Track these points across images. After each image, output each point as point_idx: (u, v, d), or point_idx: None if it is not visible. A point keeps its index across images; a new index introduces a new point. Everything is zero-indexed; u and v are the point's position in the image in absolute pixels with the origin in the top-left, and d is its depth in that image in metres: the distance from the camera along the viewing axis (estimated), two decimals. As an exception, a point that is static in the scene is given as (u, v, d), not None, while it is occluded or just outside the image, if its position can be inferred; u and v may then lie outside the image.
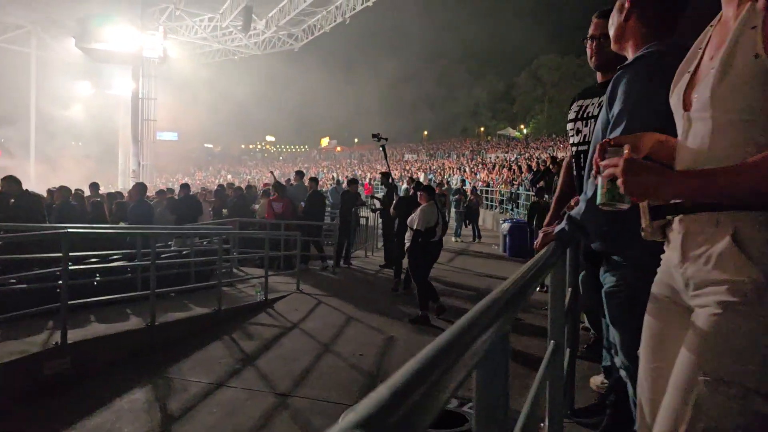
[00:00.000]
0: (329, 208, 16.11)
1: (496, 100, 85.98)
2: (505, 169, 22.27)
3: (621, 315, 1.74)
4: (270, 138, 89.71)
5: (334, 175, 40.09)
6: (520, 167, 19.50)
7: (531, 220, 12.37)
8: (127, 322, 6.37)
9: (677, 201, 1.31)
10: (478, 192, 18.66)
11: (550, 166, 13.18)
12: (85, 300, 6.02)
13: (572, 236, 1.78)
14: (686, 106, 1.32)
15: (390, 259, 11.45)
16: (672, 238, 1.37)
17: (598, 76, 2.75)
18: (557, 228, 1.85)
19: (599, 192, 1.33)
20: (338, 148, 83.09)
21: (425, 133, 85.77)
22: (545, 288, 9.54)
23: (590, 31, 2.72)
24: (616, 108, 1.69)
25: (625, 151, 1.29)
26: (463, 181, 21.19)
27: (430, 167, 39.87)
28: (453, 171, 32.95)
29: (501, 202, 20.34)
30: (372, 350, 6.09)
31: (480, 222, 18.14)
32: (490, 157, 45.40)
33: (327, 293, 8.92)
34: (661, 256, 1.44)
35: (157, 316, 6.28)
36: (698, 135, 1.27)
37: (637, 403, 1.44)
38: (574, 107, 2.79)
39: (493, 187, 21.46)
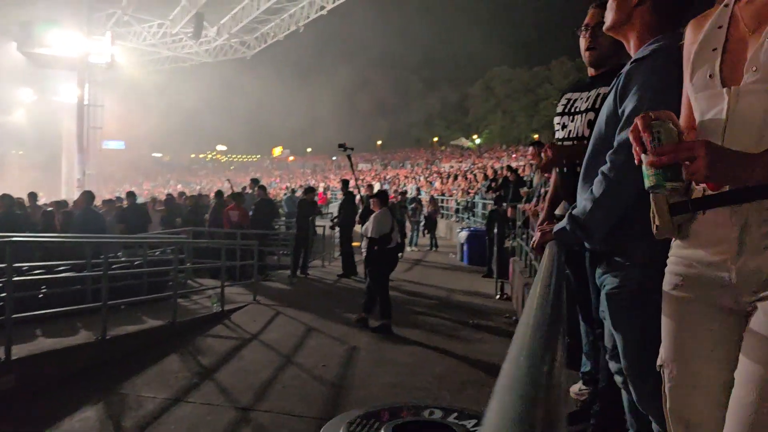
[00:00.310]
0: (284, 218, 15.90)
1: (449, 110, 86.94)
2: (461, 178, 22.45)
3: (626, 317, 1.67)
4: (221, 147, 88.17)
5: (288, 184, 39.68)
6: (475, 176, 19.70)
7: (490, 228, 12.49)
8: (77, 335, 6.05)
9: (711, 193, 1.25)
10: (437, 201, 18.73)
11: (508, 175, 13.35)
12: (31, 313, 5.68)
13: (573, 236, 1.69)
14: (727, 81, 1.25)
15: (348, 268, 11.35)
16: (702, 234, 1.30)
17: (591, 71, 2.66)
18: (557, 227, 1.76)
19: (646, 175, 1.24)
20: (291, 158, 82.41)
21: (379, 142, 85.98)
22: (505, 295, 9.61)
23: (586, 21, 2.59)
24: (630, 103, 1.61)
25: (671, 126, 1.21)
26: (418, 191, 21.24)
27: (384, 177, 39.91)
28: (408, 180, 33.07)
29: (456, 211, 20.48)
30: (335, 361, 5.96)
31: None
32: (445, 167, 45.82)
33: (285, 303, 8.73)
34: (677, 255, 1.38)
35: (109, 329, 5.99)
36: (759, 109, 1.20)
37: (666, 414, 1.37)
38: (563, 101, 2.71)
39: (447, 195, 21.61)
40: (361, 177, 41.51)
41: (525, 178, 13.47)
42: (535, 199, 8.10)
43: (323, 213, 14.98)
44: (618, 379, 1.83)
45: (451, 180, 24.31)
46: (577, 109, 2.55)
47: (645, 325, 1.59)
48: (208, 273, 10.64)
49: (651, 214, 1.38)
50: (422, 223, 17.30)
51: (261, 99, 77.26)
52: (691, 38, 1.38)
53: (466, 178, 21.89)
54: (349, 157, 9.76)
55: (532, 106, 76.30)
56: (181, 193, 17.08)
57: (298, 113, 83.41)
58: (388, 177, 38.45)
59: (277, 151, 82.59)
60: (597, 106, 2.41)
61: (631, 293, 1.64)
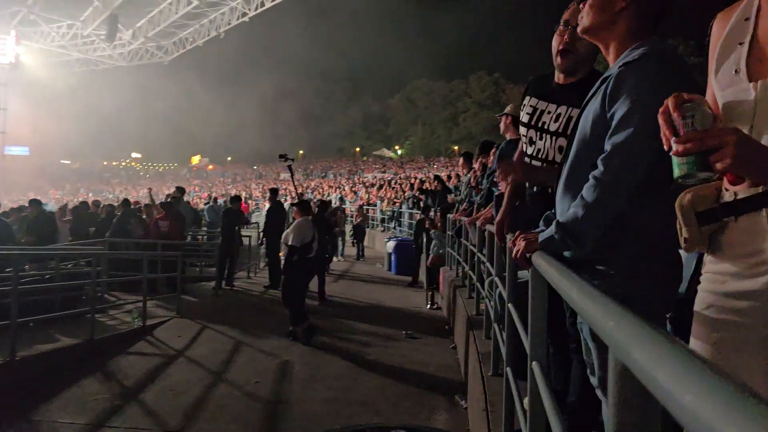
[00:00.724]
0: (205, 227, 15.33)
1: (371, 121, 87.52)
2: (387, 188, 22.54)
3: None
4: (136, 155, 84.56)
5: (210, 193, 38.52)
6: (401, 186, 19.81)
7: (417, 237, 12.56)
8: (-20, 358, 5.50)
9: (743, 196, 1.15)
10: (365, 211, 18.66)
11: (436, 185, 13.53)
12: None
13: (562, 245, 1.62)
14: (755, 75, 1.17)
15: (275, 279, 11.05)
16: (735, 245, 1.19)
17: (560, 77, 2.47)
18: (543, 236, 1.68)
19: (676, 163, 1.13)
20: (210, 167, 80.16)
21: (301, 152, 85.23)
22: (435, 305, 9.65)
23: (566, 16, 2.38)
24: (622, 108, 1.55)
25: (706, 110, 1.12)
26: (341, 200, 21.13)
27: (307, 186, 39.54)
28: (332, 190, 32.90)
29: (382, 220, 20.51)
30: (268, 377, 5.73)
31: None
32: (368, 177, 45.99)
33: (211, 317, 8.36)
34: (709, 270, 1.27)
35: (19, 349, 5.48)
36: None
37: None
38: (527, 107, 2.56)
39: (372, 204, 21.63)
40: (284, 186, 40.92)
41: (452, 188, 13.68)
42: (465, 208, 8.18)
43: (250, 222, 14.58)
44: (600, 394, 1.78)
45: (375, 190, 24.36)
46: (546, 127, 2.44)
47: None
48: (123, 287, 9.98)
49: (678, 226, 1.29)
50: (351, 233, 17.19)
51: (179, 106, 74.72)
52: (717, 33, 1.31)
53: (393, 188, 21.99)
54: (290, 167, 9.85)
55: (452, 119, 78.11)
56: (96, 202, 16.15)
57: (218, 121, 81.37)
58: (311, 187, 38.09)
59: (196, 159, 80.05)
60: (569, 132, 2.34)
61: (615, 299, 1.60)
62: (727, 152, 1.04)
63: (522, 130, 2.59)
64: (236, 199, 11.85)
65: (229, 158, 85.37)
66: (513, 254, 1.73)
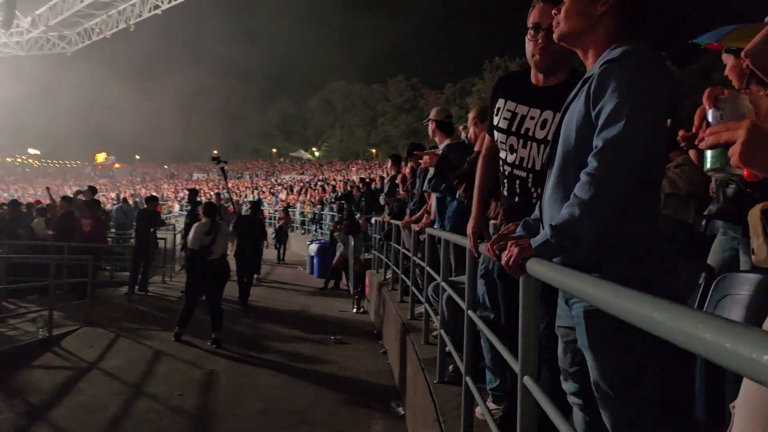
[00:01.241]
0: (113, 230, 14.44)
1: (288, 122, 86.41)
2: (310, 190, 22.19)
3: (607, 338, 1.53)
4: (34, 151, 78.99)
5: (119, 193, 36.61)
6: (323, 188, 19.54)
7: (334, 241, 12.39)
8: None
9: None
10: (288, 213, 18.24)
11: (353, 189, 13.43)
12: None
13: (558, 248, 1.51)
14: None
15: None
16: None
17: (538, 77, 2.33)
18: (536, 241, 1.56)
19: (706, 156, 1.11)
20: (117, 165, 76.27)
21: (215, 152, 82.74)
22: (362, 309, 9.52)
23: (535, 18, 2.25)
24: (610, 103, 1.48)
25: (746, 105, 1.08)
26: (260, 201, 20.56)
27: (224, 187, 38.40)
28: (249, 191, 32.09)
29: (303, 222, 20.17)
30: (193, 388, 5.40)
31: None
32: (285, 179, 45.28)
33: (125, 325, 7.85)
34: None
35: None
36: None
37: None
38: (504, 111, 2.37)
39: (292, 206, 21.24)
40: (198, 187, 39.54)
41: (375, 190, 13.63)
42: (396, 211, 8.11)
43: (166, 223, 13.88)
44: (575, 400, 1.71)
45: (296, 192, 23.93)
46: (531, 134, 2.29)
47: (628, 345, 1.48)
48: (19, 293, 9.12)
49: (753, 238, 1.21)
50: (273, 236, 16.74)
51: (84, 100, 70.80)
52: None
53: (314, 190, 21.66)
54: (222, 169, 9.64)
55: (370, 122, 78.47)
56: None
57: (126, 118, 77.70)
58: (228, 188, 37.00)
59: (101, 157, 75.83)
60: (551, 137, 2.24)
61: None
62: (735, 147, 1.00)
63: (499, 136, 2.40)
64: (152, 199, 11.21)
65: (137, 156, 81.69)
66: (504, 261, 1.61)
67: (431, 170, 4.43)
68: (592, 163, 1.49)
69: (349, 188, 13.84)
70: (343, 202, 15.21)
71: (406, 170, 6.55)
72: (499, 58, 66.16)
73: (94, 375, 5.76)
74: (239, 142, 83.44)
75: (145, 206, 11.13)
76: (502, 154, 2.42)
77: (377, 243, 9.28)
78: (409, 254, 5.88)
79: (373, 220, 10.25)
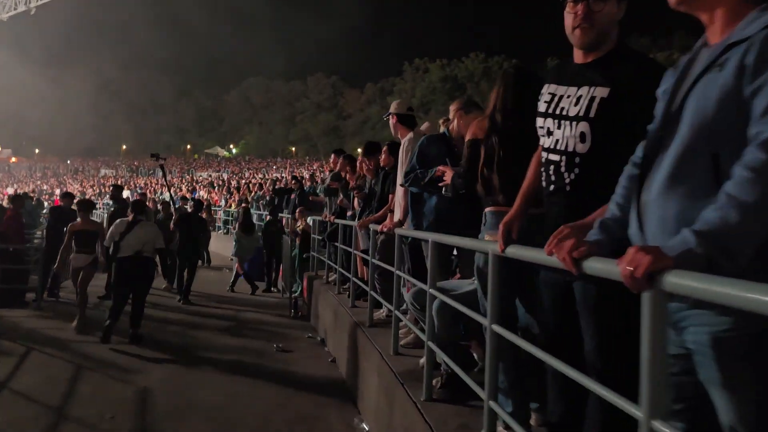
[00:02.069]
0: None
1: (204, 117, 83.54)
2: (234, 189, 21.21)
3: (748, 369, 1.22)
4: None
5: (18, 189, 33.85)
6: (248, 186, 18.68)
7: (267, 241, 11.81)
8: None
9: None
10: (212, 212, 17.27)
11: (292, 185, 12.88)
12: None
13: (706, 260, 1.18)
14: None
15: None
16: None
17: (579, 55, 2.07)
18: (675, 249, 1.20)
19: None
20: (13, 159, 70.86)
21: (124, 147, 78.84)
22: (299, 313, 9.04)
23: None
24: None
25: None
26: (184, 199, 19.50)
27: (135, 184, 36.40)
28: (164, 189, 30.47)
29: (226, 222, 19.28)
30: (126, 409, 4.78)
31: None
32: (202, 176, 43.56)
33: (37, 336, 6.99)
34: None
35: None
36: None
37: None
38: (546, 95, 2.13)
39: (216, 206, 20.29)
40: (106, 183, 37.29)
41: (307, 189, 13.14)
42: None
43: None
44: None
45: (217, 190, 22.85)
46: (565, 113, 2.02)
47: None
48: None
49: None
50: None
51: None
52: None
53: (239, 189, 20.72)
54: (162, 167, 9.96)
55: (289, 119, 77.25)
56: None
57: (24, 108, 72.27)
58: (140, 185, 35.06)
59: (-4, 151, 70.31)
60: (592, 114, 1.93)
61: (753, 337, 1.23)
62: None
63: (539, 121, 2.13)
64: (67, 195, 10.22)
65: (36, 150, 76.31)
66: (630, 273, 1.23)
67: (405, 165, 4.09)
68: (755, 154, 1.18)
69: (282, 185, 13.13)
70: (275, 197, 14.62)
71: (364, 169, 6.16)
72: (419, 59, 67.02)
73: (6, 397, 5.00)
74: (150, 137, 79.75)
75: (55, 203, 10.13)
76: (542, 141, 2.14)
77: (316, 243, 8.84)
78: (367, 257, 5.51)
79: (309, 220, 9.79)
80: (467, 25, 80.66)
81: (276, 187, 15.51)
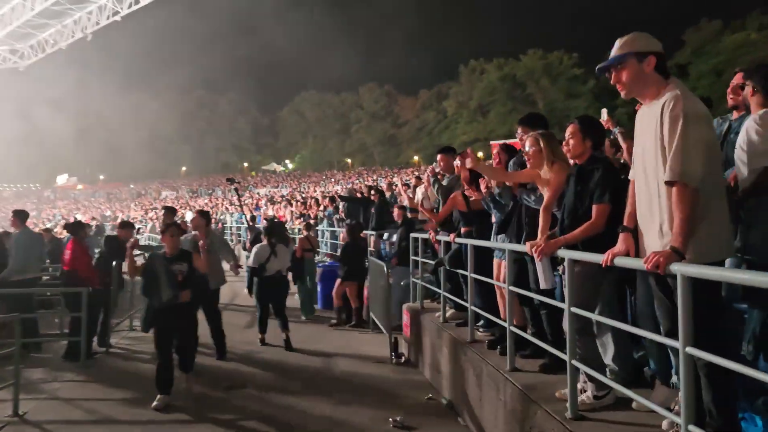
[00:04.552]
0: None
1: (259, 134, 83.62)
2: (297, 204, 19.58)
3: None
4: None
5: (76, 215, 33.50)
6: (316, 201, 17.00)
7: (346, 260, 9.91)
8: None
9: None
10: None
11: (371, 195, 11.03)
12: None
13: None
14: None
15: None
16: None
17: None
18: None
19: None
20: (79, 186, 72.21)
21: (183, 168, 79.46)
22: (402, 356, 7.10)
23: None
24: None
25: None
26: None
27: (196, 205, 35.55)
28: (226, 208, 29.34)
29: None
30: None
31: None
32: (259, 192, 42.58)
33: (79, 413, 5.30)
34: None
35: None
36: None
37: None
38: None
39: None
40: (161, 206, 36.67)
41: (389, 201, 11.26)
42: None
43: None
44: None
45: (282, 206, 21.27)
46: None
47: None
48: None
49: None
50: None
51: (38, 119, 66.70)
52: None
53: (303, 202, 19.05)
54: (236, 189, 10.67)
55: (344, 131, 76.24)
56: None
57: (87, 136, 73.81)
58: (201, 205, 34.15)
59: (62, 179, 71.76)
60: None
61: None
62: None
63: None
64: (127, 225, 8.68)
65: (101, 177, 77.66)
66: None
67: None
68: None
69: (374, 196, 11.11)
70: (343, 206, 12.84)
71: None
72: (474, 61, 64.57)
73: None
74: (209, 156, 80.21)
75: (113, 232, 8.53)
76: None
77: (428, 269, 6.90)
78: (550, 300, 3.54)
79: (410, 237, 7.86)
80: (521, 22, 77.66)
81: (349, 196, 13.62)
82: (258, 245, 8.24)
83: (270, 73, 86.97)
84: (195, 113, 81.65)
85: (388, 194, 12.04)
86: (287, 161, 76.05)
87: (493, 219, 4.77)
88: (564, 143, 3.38)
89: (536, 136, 3.79)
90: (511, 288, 4.09)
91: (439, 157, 6.43)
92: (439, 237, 6.01)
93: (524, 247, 3.62)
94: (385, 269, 7.28)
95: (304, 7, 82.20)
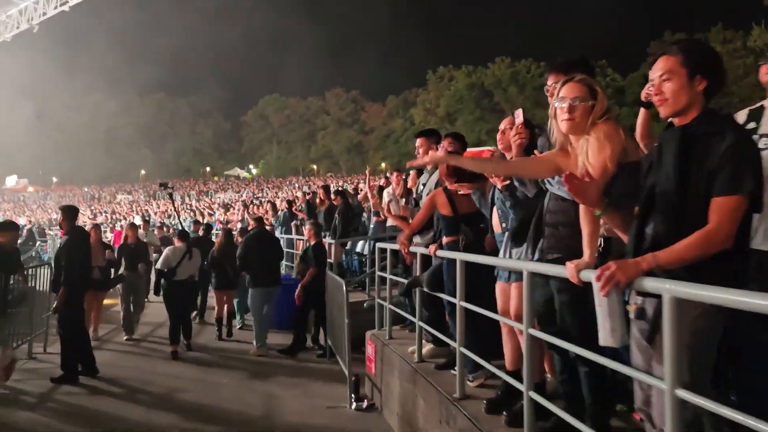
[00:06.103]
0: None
1: (222, 139, 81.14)
2: (254, 208, 17.98)
3: None
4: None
5: (31, 219, 31.14)
6: (274, 205, 15.47)
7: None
8: None
9: None
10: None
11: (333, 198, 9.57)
12: None
13: None
14: None
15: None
16: None
17: None
18: None
19: None
20: (30, 188, 68.65)
21: (143, 172, 76.49)
22: (365, 400, 5.68)
23: None
24: None
25: None
26: (197, 223, 16.39)
27: (150, 209, 33.47)
28: (185, 213, 27.45)
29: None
30: None
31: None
32: (221, 198, 40.66)
33: None
34: None
35: None
36: None
37: None
38: None
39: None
40: (117, 210, 34.57)
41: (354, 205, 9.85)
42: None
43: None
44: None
45: (237, 210, 19.66)
46: None
47: None
48: None
49: None
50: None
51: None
52: None
53: (263, 207, 17.46)
54: (171, 195, 10.57)
55: (310, 137, 74.50)
56: None
57: (40, 137, 70.29)
58: (158, 210, 32.09)
59: (11, 180, 68.17)
60: None
61: None
62: None
63: None
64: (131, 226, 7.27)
65: (54, 179, 74.12)
66: None
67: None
68: None
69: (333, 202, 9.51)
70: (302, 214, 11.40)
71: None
72: (443, 68, 63.56)
73: None
74: (169, 161, 77.37)
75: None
76: None
77: (400, 289, 5.49)
78: (624, 368, 2.14)
79: (384, 248, 6.45)
80: (490, 31, 77.24)
81: (308, 201, 12.11)
82: (169, 247, 7.60)
83: (233, 77, 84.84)
84: (156, 116, 78.72)
85: (350, 199, 10.58)
86: (251, 167, 73.88)
87: (496, 223, 3.37)
88: (653, 90, 1.95)
89: (587, 81, 2.37)
90: (536, 334, 2.69)
91: (418, 142, 4.99)
92: (413, 248, 4.62)
93: (560, 270, 2.25)
94: (344, 287, 5.84)
95: (269, 10, 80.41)
